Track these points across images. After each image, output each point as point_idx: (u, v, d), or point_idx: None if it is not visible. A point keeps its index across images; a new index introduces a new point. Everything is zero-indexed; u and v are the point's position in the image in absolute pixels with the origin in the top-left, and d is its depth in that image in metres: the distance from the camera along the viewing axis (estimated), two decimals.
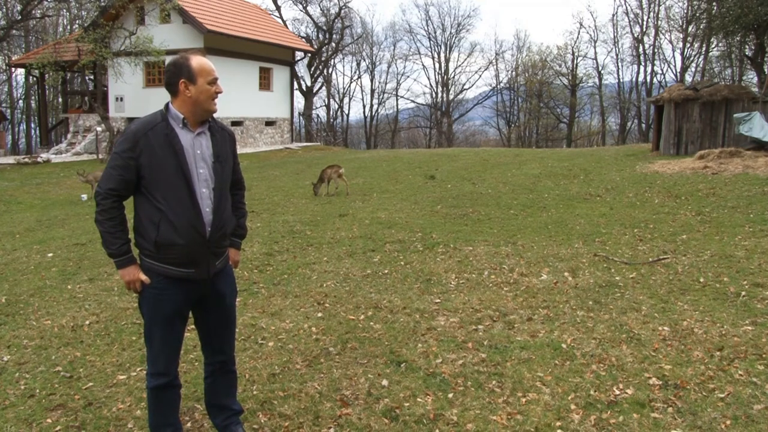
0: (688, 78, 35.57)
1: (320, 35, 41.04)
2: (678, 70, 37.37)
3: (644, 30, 38.84)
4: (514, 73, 46.29)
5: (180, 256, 2.64)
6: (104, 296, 5.65)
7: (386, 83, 47.60)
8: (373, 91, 46.71)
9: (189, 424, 3.25)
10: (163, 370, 2.79)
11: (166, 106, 2.69)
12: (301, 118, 34.25)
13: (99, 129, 23.59)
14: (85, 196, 13.64)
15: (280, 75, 27.32)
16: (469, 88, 55.07)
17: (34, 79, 32.41)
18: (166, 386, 2.81)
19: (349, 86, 51.00)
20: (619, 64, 42.62)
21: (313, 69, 39.90)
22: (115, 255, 2.68)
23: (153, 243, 2.63)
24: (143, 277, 2.70)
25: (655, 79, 39.18)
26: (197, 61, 2.64)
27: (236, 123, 24.29)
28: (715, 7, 20.22)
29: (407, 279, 5.79)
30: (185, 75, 2.62)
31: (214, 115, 2.82)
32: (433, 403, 3.35)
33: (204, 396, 3.12)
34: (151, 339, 2.78)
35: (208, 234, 2.67)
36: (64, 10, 34.42)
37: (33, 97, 39.38)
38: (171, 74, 2.65)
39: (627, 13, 50.24)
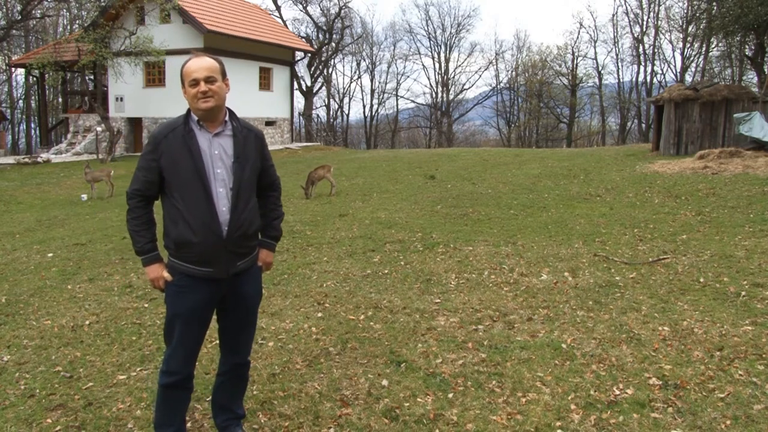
0: (688, 78, 35.57)
1: (320, 35, 41.05)
2: (678, 70, 37.39)
3: (644, 30, 38.86)
4: (514, 73, 46.31)
5: (195, 255, 2.68)
6: (104, 296, 5.64)
7: (386, 83, 47.63)
8: (373, 91, 46.72)
9: (189, 424, 3.25)
10: (175, 369, 2.80)
11: (188, 109, 2.75)
12: (301, 118, 34.25)
13: (99, 129, 23.59)
14: (84, 196, 13.65)
15: (280, 75, 27.32)
16: (469, 88, 55.19)
17: (34, 79, 32.41)
18: (176, 386, 2.82)
19: (349, 86, 51.06)
20: (619, 64, 42.69)
21: (313, 69, 39.89)
22: (140, 253, 2.78)
23: (173, 241, 2.70)
24: (166, 275, 2.75)
25: (655, 79, 39.21)
26: (186, 64, 2.69)
27: None
28: (715, 7, 20.22)
29: (407, 279, 5.79)
30: (180, 79, 2.72)
31: (240, 116, 2.84)
32: (433, 403, 3.35)
33: (212, 392, 3.13)
34: (170, 335, 2.81)
35: (225, 233, 2.68)
36: (64, 10, 34.45)
37: (33, 97, 39.37)
38: None
39: (627, 13, 50.29)
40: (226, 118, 2.76)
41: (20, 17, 26.33)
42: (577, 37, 65.91)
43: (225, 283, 2.77)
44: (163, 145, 2.68)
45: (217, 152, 2.70)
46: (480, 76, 79.91)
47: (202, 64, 2.67)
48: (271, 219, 3.01)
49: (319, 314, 4.87)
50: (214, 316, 2.94)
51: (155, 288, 2.82)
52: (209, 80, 2.65)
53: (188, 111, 2.74)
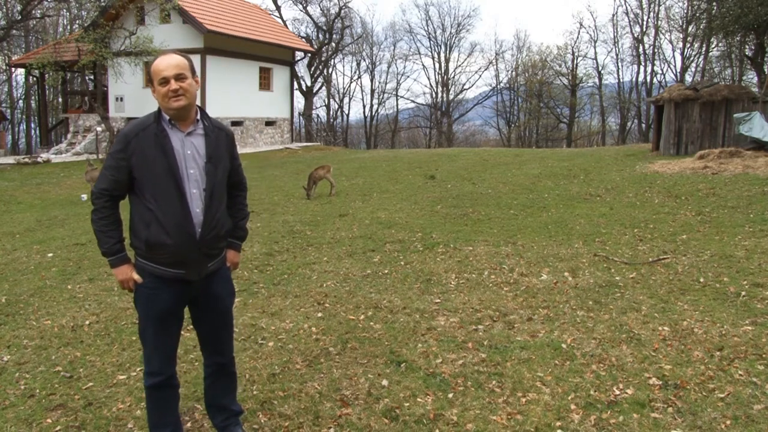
0: (688, 78, 35.57)
1: (320, 35, 41.05)
2: (678, 70, 37.38)
3: (644, 30, 38.86)
4: (514, 73, 46.31)
5: (169, 256, 2.64)
6: (104, 296, 5.65)
7: (386, 83, 47.63)
8: (373, 91, 46.72)
9: (189, 424, 3.25)
10: (156, 369, 2.79)
11: (159, 108, 2.70)
12: (301, 118, 34.25)
13: (99, 129, 23.59)
14: (84, 196, 13.64)
15: (280, 75, 27.32)
16: (469, 88, 55.17)
17: (34, 79, 32.41)
18: (162, 385, 2.81)
19: (349, 86, 51.03)
20: (619, 64, 42.66)
21: (313, 69, 39.89)
22: (108, 254, 2.72)
23: (144, 242, 2.64)
24: (136, 276, 2.71)
25: (655, 79, 39.20)
26: (154, 63, 2.64)
27: (236, 123, 24.30)
28: (715, 7, 20.22)
29: (407, 279, 5.79)
30: (149, 79, 2.67)
31: (215, 116, 2.81)
32: (433, 403, 3.35)
33: (204, 396, 3.12)
34: (145, 338, 2.80)
35: (199, 235, 2.66)
36: (64, 10, 34.44)
37: (33, 97, 39.35)
38: None
39: (627, 13, 50.24)
40: (197, 116, 2.72)
41: (20, 17, 26.33)
42: (577, 37, 65.85)
43: (196, 285, 2.75)
44: (133, 144, 2.60)
45: (189, 152, 2.66)
46: (480, 76, 79.94)
47: (171, 62, 2.61)
48: (238, 219, 2.99)
49: (319, 314, 4.87)
50: (192, 319, 2.94)
51: (124, 289, 2.78)
52: (179, 78, 2.59)
53: (159, 110, 2.68)
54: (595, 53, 62.16)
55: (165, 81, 2.58)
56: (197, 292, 2.78)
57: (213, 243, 2.74)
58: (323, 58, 41.53)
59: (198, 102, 2.77)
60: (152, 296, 2.71)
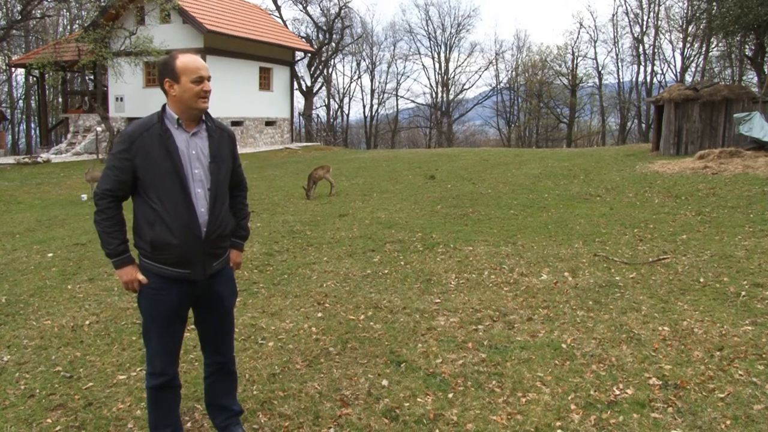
0: (688, 78, 35.57)
1: (320, 35, 41.07)
2: (678, 70, 37.39)
3: (644, 30, 38.86)
4: (514, 73, 46.32)
5: (174, 256, 2.64)
6: (104, 296, 5.65)
7: (386, 83, 47.64)
8: (373, 91, 46.73)
9: (189, 424, 3.25)
10: (159, 370, 2.79)
11: (163, 107, 2.70)
12: (301, 118, 34.25)
13: (99, 129, 23.60)
14: (84, 196, 13.64)
15: (280, 75, 27.32)
16: (469, 88, 55.18)
17: (34, 79, 32.42)
18: (164, 386, 2.81)
19: (349, 86, 51.06)
20: (619, 64, 42.68)
21: (313, 69, 39.90)
22: (112, 255, 2.71)
23: (148, 243, 2.64)
24: (141, 277, 2.70)
25: (655, 79, 39.21)
26: (182, 59, 2.62)
27: (236, 123, 24.29)
28: (715, 7, 20.22)
29: (407, 279, 5.79)
30: (169, 74, 2.63)
31: (214, 116, 2.82)
32: (433, 403, 3.35)
33: (204, 396, 3.12)
34: (149, 338, 2.79)
35: (204, 234, 2.67)
36: (64, 10, 34.45)
37: (33, 97, 39.35)
38: (159, 74, 2.68)
39: (627, 13, 50.25)
40: (202, 117, 2.74)
41: (20, 17, 26.34)
42: (577, 37, 65.85)
43: (200, 285, 2.75)
44: (138, 144, 2.60)
45: (194, 152, 2.67)
46: (480, 76, 79.95)
47: (203, 63, 2.66)
48: (239, 219, 3.00)
49: (319, 314, 4.87)
50: (192, 318, 2.94)
51: (128, 290, 2.77)
52: (209, 80, 2.66)
53: (163, 109, 2.68)
54: (595, 53, 62.23)
55: (201, 80, 2.61)
56: (201, 291, 2.79)
57: (217, 242, 2.75)
58: (323, 58, 41.54)
59: None
60: (157, 297, 2.71)
